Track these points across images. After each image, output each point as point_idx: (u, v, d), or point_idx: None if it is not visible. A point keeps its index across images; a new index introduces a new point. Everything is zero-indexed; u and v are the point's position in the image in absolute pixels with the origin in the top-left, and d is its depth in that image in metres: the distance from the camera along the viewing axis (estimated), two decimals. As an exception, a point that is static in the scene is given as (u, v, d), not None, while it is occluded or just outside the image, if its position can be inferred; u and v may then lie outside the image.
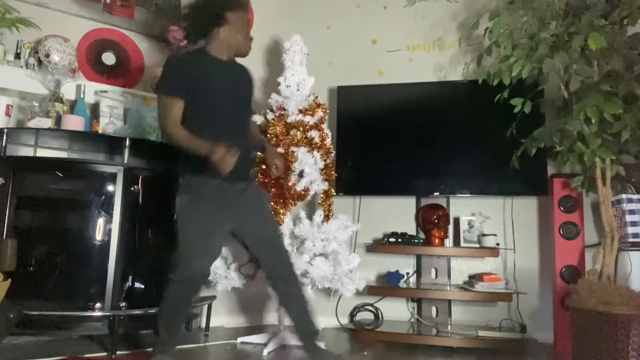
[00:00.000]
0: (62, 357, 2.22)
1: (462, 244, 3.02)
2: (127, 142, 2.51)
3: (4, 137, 2.45)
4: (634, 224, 2.49)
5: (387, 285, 2.97)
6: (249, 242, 2.20)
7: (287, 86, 2.72)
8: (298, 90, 2.72)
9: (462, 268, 3.10)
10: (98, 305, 2.36)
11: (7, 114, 2.53)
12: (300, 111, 2.72)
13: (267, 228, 2.21)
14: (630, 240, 2.48)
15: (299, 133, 2.66)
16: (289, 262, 2.20)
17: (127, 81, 2.98)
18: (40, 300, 2.33)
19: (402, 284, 2.99)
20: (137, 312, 2.44)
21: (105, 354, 2.34)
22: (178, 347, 2.54)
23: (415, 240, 2.98)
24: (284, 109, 2.72)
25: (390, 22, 3.46)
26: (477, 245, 2.97)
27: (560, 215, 2.73)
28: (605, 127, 2.35)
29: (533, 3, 2.55)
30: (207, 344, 2.68)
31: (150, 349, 2.26)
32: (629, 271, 2.43)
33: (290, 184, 2.63)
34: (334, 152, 2.91)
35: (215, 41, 2.13)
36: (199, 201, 2.05)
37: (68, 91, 2.68)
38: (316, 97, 2.83)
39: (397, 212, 3.24)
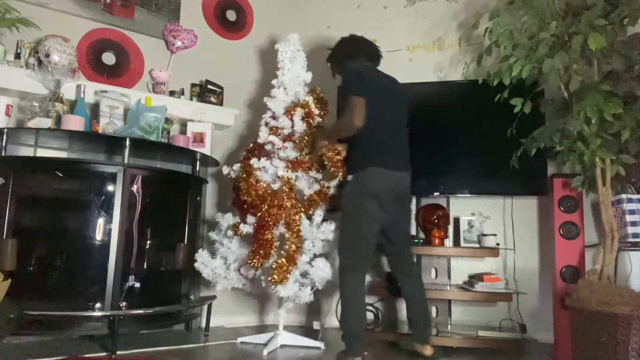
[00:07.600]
0: (62, 357, 2.22)
1: (462, 244, 3.02)
2: (127, 142, 2.52)
3: (4, 137, 2.46)
4: (634, 224, 2.49)
5: (387, 285, 2.97)
6: None
7: (278, 87, 2.71)
8: (285, 90, 2.71)
9: (462, 268, 3.10)
10: (98, 305, 2.36)
11: (7, 114, 2.53)
12: (287, 111, 2.59)
13: None
14: (630, 240, 2.48)
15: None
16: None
17: (127, 81, 2.98)
18: (40, 300, 2.33)
19: (402, 284, 2.98)
20: (137, 312, 2.44)
21: (105, 354, 2.34)
22: (177, 347, 2.54)
23: (415, 240, 2.98)
24: (275, 118, 2.65)
25: (390, 22, 3.46)
26: (477, 245, 2.96)
27: (560, 215, 2.73)
28: (605, 127, 2.35)
29: (533, 3, 2.55)
30: (207, 344, 2.68)
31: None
32: (629, 271, 2.42)
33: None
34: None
35: None
36: None
37: (68, 91, 2.68)
38: (316, 90, 2.75)
39: (397, 212, 3.24)
